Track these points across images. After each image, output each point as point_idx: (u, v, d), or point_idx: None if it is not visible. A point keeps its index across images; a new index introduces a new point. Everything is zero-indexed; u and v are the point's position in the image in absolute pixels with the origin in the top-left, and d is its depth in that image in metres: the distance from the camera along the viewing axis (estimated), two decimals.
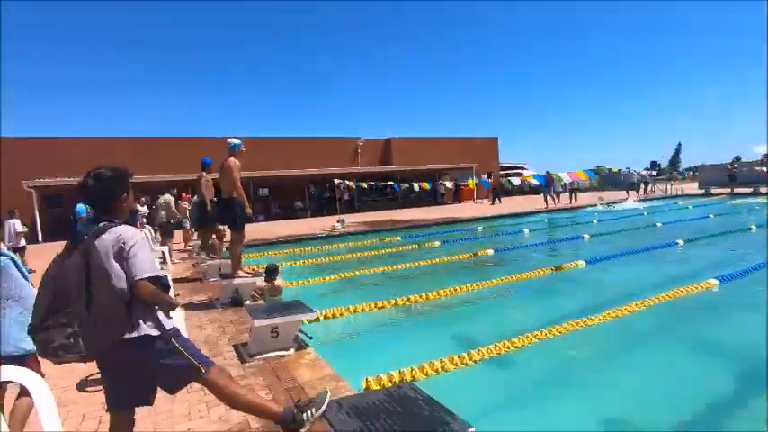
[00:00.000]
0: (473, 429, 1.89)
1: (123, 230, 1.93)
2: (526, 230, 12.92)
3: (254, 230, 15.86)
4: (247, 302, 5.47)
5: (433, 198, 27.19)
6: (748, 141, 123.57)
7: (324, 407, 2.22)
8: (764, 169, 24.71)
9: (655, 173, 30.06)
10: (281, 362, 3.54)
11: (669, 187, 27.43)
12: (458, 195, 28.13)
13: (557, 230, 13.75)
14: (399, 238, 12.59)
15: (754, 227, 10.61)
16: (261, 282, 5.78)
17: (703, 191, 25.19)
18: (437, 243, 11.05)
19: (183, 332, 3.55)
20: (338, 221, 15.72)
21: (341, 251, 10.93)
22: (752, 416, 3.03)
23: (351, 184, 17.67)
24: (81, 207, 10.46)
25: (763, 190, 22.16)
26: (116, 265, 1.88)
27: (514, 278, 6.71)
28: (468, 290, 6.23)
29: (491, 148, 31.58)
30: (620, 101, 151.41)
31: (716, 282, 5.78)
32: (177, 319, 3.56)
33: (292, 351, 3.71)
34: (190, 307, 5.55)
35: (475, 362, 3.68)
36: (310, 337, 3.92)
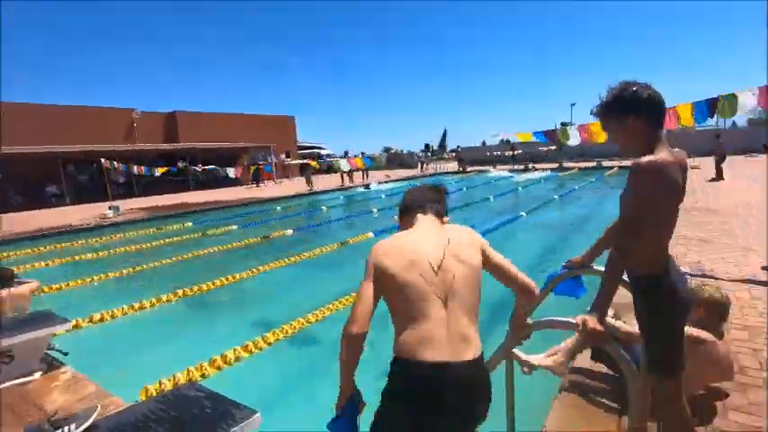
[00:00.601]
0: (258, 415, 1.88)
1: None
2: (324, 207, 13.48)
3: None
4: None
5: (230, 179, 25.63)
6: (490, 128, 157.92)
7: (88, 423, 1.85)
8: (497, 153, 31.91)
9: (430, 153, 35.33)
10: (22, 391, 2.81)
11: (438, 166, 32.75)
12: (256, 175, 27.22)
13: (351, 206, 14.77)
14: (191, 224, 11.46)
15: (491, 197, 13.66)
16: None
17: (460, 168, 30.96)
18: (234, 227, 10.50)
19: None
20: (110, 208, 13.28)
21: (114, 244, 9.29)
22: None
23: (119, 166, 14.99)
24: None
25: (500, 167, 28.66)
26: None
27: (311, 254, 6.94)
28: (264, 271, 6.15)
29: (288, 127, 31.45)
30: (401, 90, 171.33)
31: None
32: None
33: (39, 375, 2.98)
34: None
35: (270, 344, 3.67)
36: (65, 353, 3.22)
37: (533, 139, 6.70)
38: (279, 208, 14.09)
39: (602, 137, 5.05)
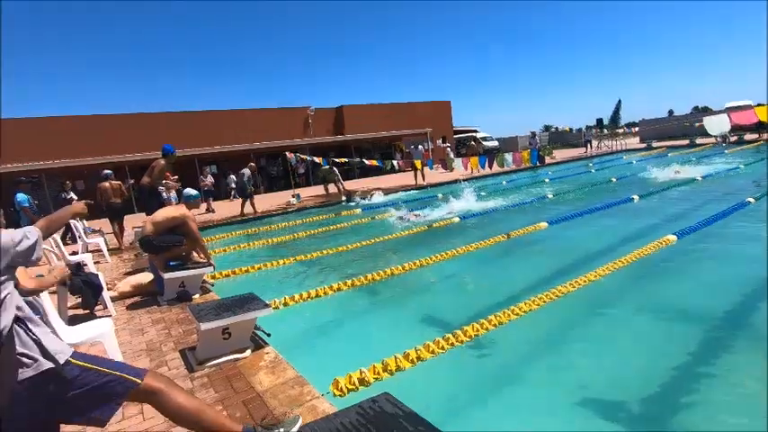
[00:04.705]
0: None
1: None
2: (484, 194, 12.87)
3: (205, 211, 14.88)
4: (196, 297, 4.96)
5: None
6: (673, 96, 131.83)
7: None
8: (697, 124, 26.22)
9: (603, 131, 31.14)
10: (235, 367, 3.13)
11: (612, 143, 28.50)
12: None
13: (516, 192, 13.77)
14: (359, 211, 12.20)
15: (699, 177, 11.07)
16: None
17: (645, 144, 26.35)
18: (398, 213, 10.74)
19: (113, 345, 3.04)
20: (293, 196, 15.07)
21: (297, 228, 10.41)
22: (725, 370, 2.99)
23: (303, 157, 16.81)
24: (22, 197, 8.40)
25: (698, 141, 23.47)
26: None
27: (479, 245, 6.53)
28: (436, 262, 5.99)
29: (444, 112, 31.27)
30: (563, 62, 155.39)
31: (674, 238, 5.84)
32: (105, 331, 3.04)
33: (249, 352, 3.30)
34: (130, 306, 4.94)
35: (453, 345, 3.42)
36: (268, 334, 3.51)
37: None
38: (440, 195, 14.01)
39: None
